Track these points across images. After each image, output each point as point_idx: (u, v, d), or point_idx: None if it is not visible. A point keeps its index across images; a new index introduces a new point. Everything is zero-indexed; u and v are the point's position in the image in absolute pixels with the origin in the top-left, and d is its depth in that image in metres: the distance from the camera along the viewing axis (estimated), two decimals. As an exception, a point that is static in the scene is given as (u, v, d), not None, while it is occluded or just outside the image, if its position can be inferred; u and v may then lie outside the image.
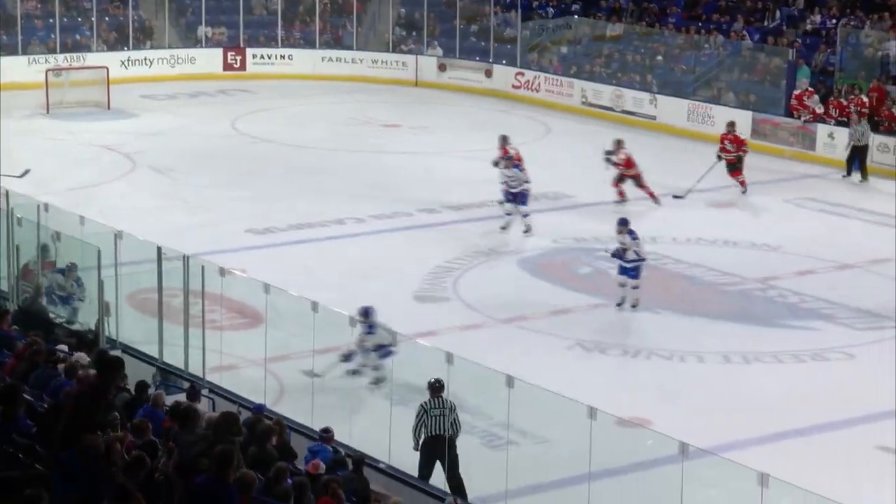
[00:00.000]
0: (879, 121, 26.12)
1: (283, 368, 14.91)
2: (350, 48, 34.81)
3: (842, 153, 25.61)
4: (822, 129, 26.37)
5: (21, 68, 31.47)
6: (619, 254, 18.06)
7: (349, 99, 31.99)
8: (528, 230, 21.20)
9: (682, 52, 30.72)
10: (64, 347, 13.05)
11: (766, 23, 30.72)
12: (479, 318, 17.54)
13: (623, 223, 18.23)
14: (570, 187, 24.09)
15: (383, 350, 14.93)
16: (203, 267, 14.66)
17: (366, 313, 15.05)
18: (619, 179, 23.14)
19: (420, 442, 12.51)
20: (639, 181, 23.12)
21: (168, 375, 14.15)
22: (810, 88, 26.97)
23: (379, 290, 18.53)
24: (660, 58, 30.87)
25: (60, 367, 11.69)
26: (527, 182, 21.49)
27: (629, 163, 23.04)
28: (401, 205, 22.57)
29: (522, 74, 32.35)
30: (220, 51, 34.25)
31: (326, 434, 11.94)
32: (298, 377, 14.60)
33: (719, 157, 24.08)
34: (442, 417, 12.38)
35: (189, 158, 25.89)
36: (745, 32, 30.32)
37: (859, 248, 20.84)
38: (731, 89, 29.16)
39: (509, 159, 21.98)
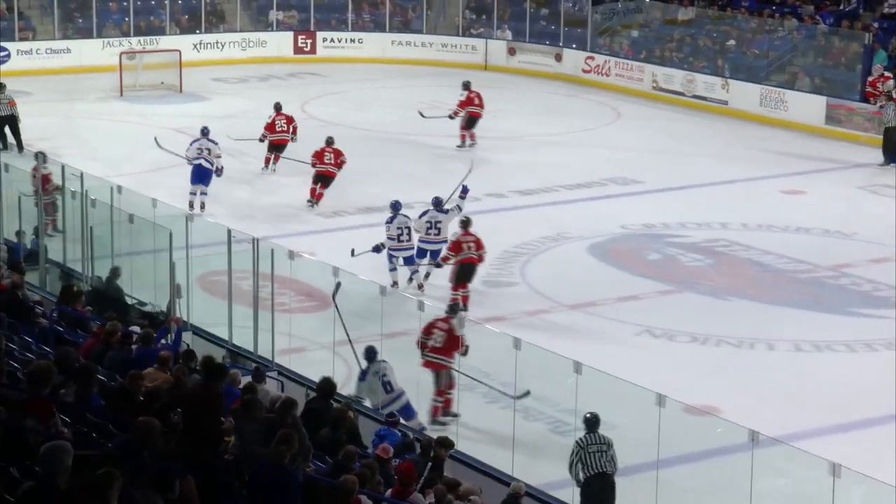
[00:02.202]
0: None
1: (351, 352, 14.95)
2: (420, 32, 34.82)
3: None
4: (898, 115, 25.94)
5: (95, 51, 31.85)
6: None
7: (418, 83, 31.98)
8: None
9: (755, 37, 30.37)
10: (136, 329, 13.19)
11: (841, 6, 30.26)
12: (546, 304, 17.48)
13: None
14: (639, 173, 23.94)
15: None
16: (272, 250, 14.77)
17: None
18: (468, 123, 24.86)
19: (581, 482, 11.75)
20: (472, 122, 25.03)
21: (237, 357, 14.25)
22: (886, 73, 26.52)
23: (447, 274, 18.55)
24: (732, 42, 30.53)
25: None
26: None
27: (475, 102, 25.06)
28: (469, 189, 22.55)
29: (593, 59, 32.15)
30: (290, 34, 34.42)
31: (392, 419, 11.96)
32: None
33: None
34: (600, 454, 11.66)
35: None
36: (818, 17, 29.90)
37: (935, 235, 20.50)
38: (805, 74, 28.79)
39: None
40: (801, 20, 29.91)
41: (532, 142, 26.43)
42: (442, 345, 13.83)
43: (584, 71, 32.18)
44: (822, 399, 14.90)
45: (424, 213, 18.08)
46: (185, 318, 14.91)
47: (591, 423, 11.77)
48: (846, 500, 10.45)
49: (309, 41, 34.36)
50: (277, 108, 23.43)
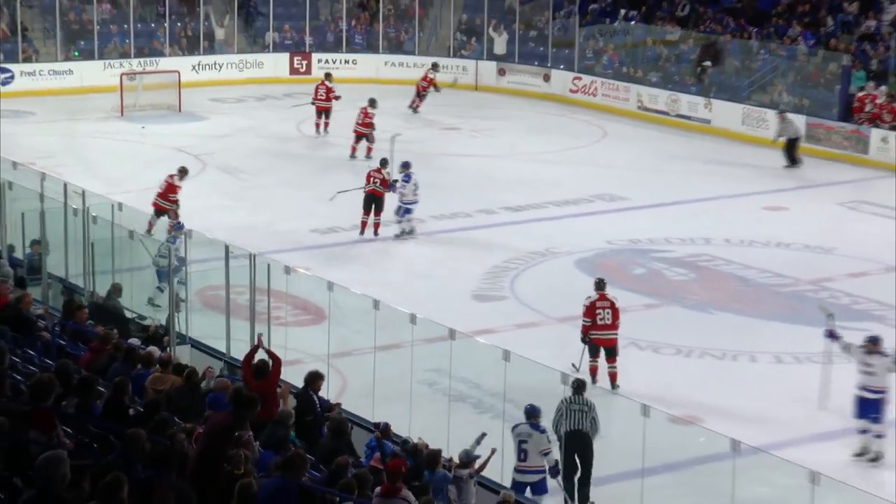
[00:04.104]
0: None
1: (345, 364, 15.27)
2: (412, 53, 35.24)
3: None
4: (875, 133, 26.46)
5: (97, 72, 32.27)
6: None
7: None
8: None
9: (738, 57, 30.80)
10: (136, 341, 13.49)
11: (820, 28, 30.72)
12: (535, 317, 17.79)
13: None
14: (625, 190, 24.32)
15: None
16: (269, 265, 15.02)
17: (405, 165, 21.08)
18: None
19: (561, 435, 12.62)
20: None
21: (234, 369, 14.55)
22: (876, 93, 26.88)
23: (438, 288, 18.88)
24: (708, 63, 30.88)
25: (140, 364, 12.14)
26: None
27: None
28: (460, 205, 22.95)
29: (580, 79, 32.60)
30: (286, 55, 34.85)
31: (377, 430, 11.89)
32: (361, 373, 14.89)
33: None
34: (581, 413, 12.53)
35: (256, 159, 26.37)
36: (800, 38, 30.37)
37: (913, 250, 20.91)
38: (786, 93, 29.22)
39: None
40: (782, 41, 30.37)
41: (522, 160, 26.85)
42: (611, 320, 15.48)
43: (572, 91, 32.61)
44: (803, 409, 15.11)
45: (407, 178, 21.02)
46: (184, 332, 15.25)
47: (576, 387, 12.63)
48: (825, 506, 10.73)
49: (304, 62, 34.80)
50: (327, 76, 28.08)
